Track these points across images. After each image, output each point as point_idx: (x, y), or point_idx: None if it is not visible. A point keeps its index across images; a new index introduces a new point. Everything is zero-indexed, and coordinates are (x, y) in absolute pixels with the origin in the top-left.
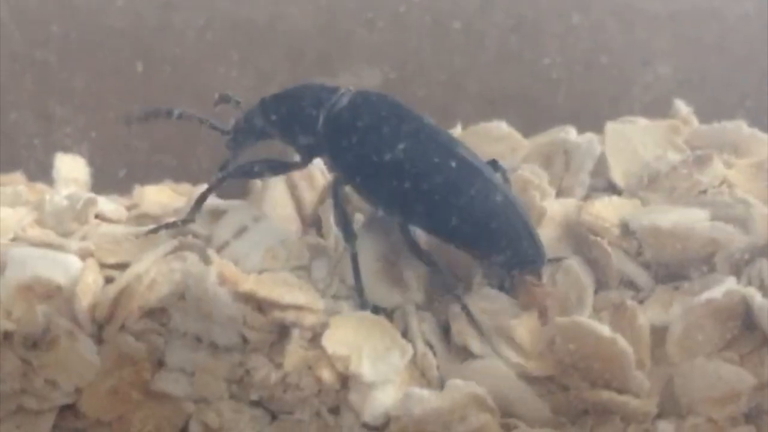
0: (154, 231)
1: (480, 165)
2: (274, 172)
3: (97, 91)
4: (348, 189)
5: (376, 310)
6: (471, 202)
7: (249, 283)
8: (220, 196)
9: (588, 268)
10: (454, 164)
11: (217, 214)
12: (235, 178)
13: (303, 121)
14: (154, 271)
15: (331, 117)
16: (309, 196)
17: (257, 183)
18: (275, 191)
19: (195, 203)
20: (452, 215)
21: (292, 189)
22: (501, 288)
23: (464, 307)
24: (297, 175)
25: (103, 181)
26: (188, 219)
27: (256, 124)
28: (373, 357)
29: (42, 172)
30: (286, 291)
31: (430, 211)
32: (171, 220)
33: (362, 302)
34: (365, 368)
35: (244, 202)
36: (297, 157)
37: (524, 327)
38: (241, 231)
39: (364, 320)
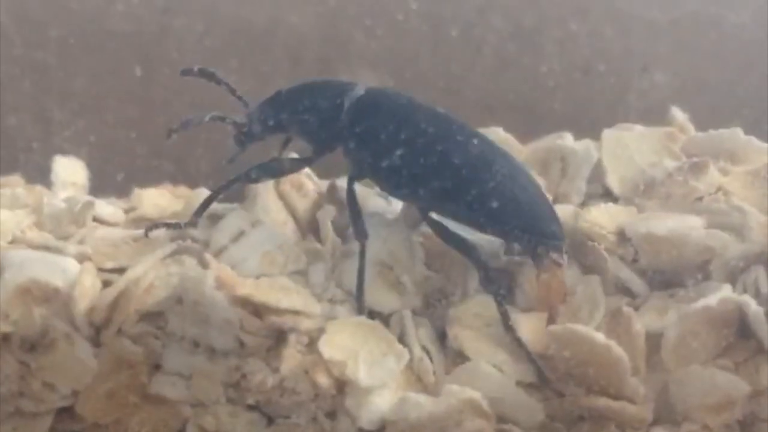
0: (153, 228)
1: (501, 147)
2: (289, 169)
3: (96, 95)
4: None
5: (372, 315)
6: (500, 181)
7: (246, 288)
8: (219, 200)
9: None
10: (478, 144)
11: (214, 219)
12: (248, 182)
13: (327, 111)
14: (152, 275)
15: (354, 106)
16: (301, 204)
17: (252, 188)
18: (266, 199)
19: (200, 206)
20: (482, 195)
21: (283, 197)
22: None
23: (501, 304)
24: (287, 184)
25: (102, 184)
26: (191, 222)
27: (273, 116)
28: (369, 362)
29: (40, 175)
30: (283, 295)
31: (459, 193)
32: (173, 221)
33: (359, 306)
34: (361, 373)
35: (241, 209)
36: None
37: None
38: (238, 236)
39: (361, 325)
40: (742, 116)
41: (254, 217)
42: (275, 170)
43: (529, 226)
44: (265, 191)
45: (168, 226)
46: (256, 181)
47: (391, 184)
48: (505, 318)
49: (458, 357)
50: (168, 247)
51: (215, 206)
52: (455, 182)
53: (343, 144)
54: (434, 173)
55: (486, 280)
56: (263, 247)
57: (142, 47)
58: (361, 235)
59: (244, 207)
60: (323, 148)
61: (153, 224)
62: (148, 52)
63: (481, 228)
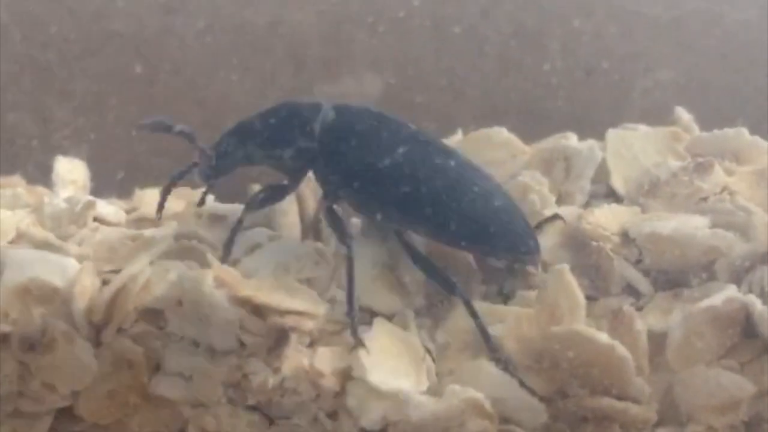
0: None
1: (473, 162)
2: (280, 197)
3: (97, 94)
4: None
5: (374, 316)
6: (473, 201)
7: (248, 289)
8: (219, 199)
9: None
10: (453, 164)
11: (217, 219)
12: (254, 211)
13: (296, 138)
14: (149, 271)
15: (326, 126)
16: (312, 203)
17: (256, 188)
18: (286, 201)
19: (225, 247)
20: (455, 215)
21: (299, 197)
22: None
23: (469, 306)
24: (308, 186)
25: (103, 184)
26: (224, 258)
27: (239, 148)
28: (394, 369)
29: (42, 175)
30: (286, 296)
31: (432, 213)
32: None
33: (350, 309)
34: (374, 376)
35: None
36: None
37: (511, 337)
38: (253, 248)
39: (393, 332)
40: (746, 116)
41: (273, 231)
42: (274, 198)
43: (506, 245)
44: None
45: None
46: (258, 209)
47: (365, 207)
48: (484, 334)
49: (461, 357)
50: (164, 243)
51: (218, 206)
52: (429, 202)
53: (315, 168)
54: (408, 194)
55: (465, 303)
56: (277, 257)
57: (144, 47)
58: (346, 239)
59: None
60: (296, 174)
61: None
62: (150, 51)
63: (457, 246)
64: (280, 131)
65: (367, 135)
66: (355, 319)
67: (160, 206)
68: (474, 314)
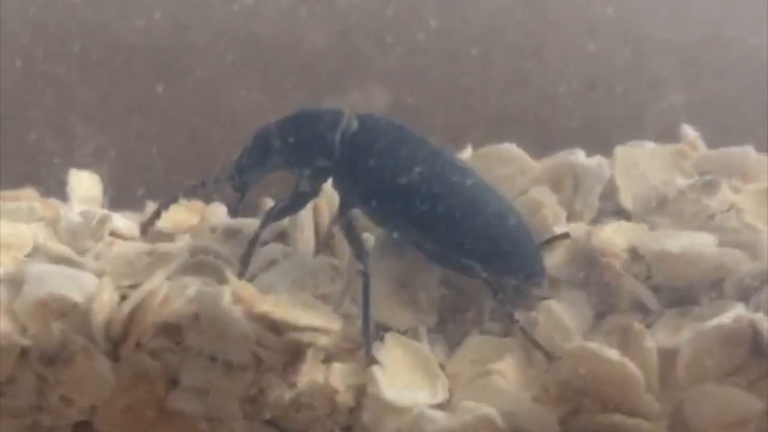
0: (150, 222)
1: (490, 183)
2: (299, 207)
3: (113, 109)
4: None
5: (387, 332)
6: (488, 221)
7: (265, 305)
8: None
9: (586, 295)
10: (470, 183)
11: (231, 233)
12: (268, 225)
13: (318, 145)
14: (167, 286)
15: (347, 139)
16: (327, 218)
17: (269, 203)
18: (304, 215)
19: (242, 262)
20: (471, 236)
21: (315, 210)
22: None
23: (488, 285)
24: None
25: (118, 198)
26: (242, 273)
27: (261, 155)
28: (408, 384)
29: (59, 188)
30: (303, 312)
31: (448, 232)
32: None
33: (365, 327)
34: (389, 391)
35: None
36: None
37: (511, 370)
38: (269, 264)
39: (410, 348)
40: (752, 134)
41: (289, 247)
42: (293, 208)
43: (517, 268)
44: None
45: (157, 215)
46: (278, 219)
47: (381, 219)
48: (509, 315)
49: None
50: (182, 258)
51: (232, 221)
52: (445, 221)
53: (336, 176)
54: (425, 211)
55: (490, 291)
56: (294, 273)
57: (159, 62)
58: (363, 257)
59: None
60: (316, 182)
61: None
62: (165, 66)
63: (469, 269)
64: (300, 143)
65: (388, 150)
66: (369, 338)
67: (152, 220)
68: (493, 293)
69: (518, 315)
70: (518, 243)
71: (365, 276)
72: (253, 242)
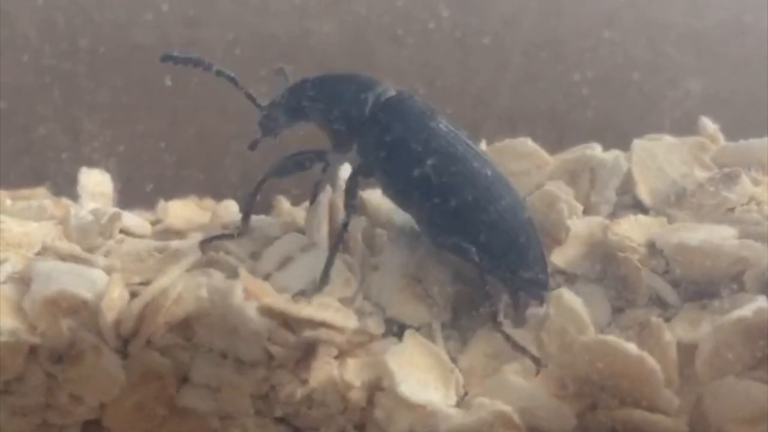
0: (208, 242)
1: (508, 179)
2: (311, 162)
3: (124, 106)
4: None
5: (402, 328)
6: (502, 216)
7: (280, 302)
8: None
9: (603, 290)
10: (489, 174)
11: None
12: (279, 176)
13: (351, 102)
14: (180, 285)
15: (378, 104)
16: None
17: (283, 201)
18: (320, 210)
19: (244, 213)
20: (480, 225)
21: (331, 206)
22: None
23: (480, 269)
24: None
25: (129, 195)
26: (243, 230)
27: (297, 101)
28: (422, 382)
29: (70, 187)
30: (318, 309)
31: (457, 218)
32: (226, 232)
33: (320, 284)
34: (409, 389)
35: (293, 233)
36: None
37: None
38: (285, 262)
39: (424, 347)
40: None
41: (305, 239)
42: (299, 164)
43: (519, 268)
44: (322, 202)
45: (221, 237)
46: (283, 175)
47: (394, 190)
48: (492, 316)
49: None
50: (194, 256)
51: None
52: (457, 207)
53: (359, 139)
54: (438, 193)
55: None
56: (310, 274)
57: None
58: (351, 209)
59: (273, 216)
60: (341, 141)
61: (207, 237)
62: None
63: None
64: (334, 97)
65: (416, 123)
66: (326, 277)
67: (247, 213)
68: (484, 282)
69: (531, 310)
70: (526, 245)
71: (342, 231)
72: (258, 188)
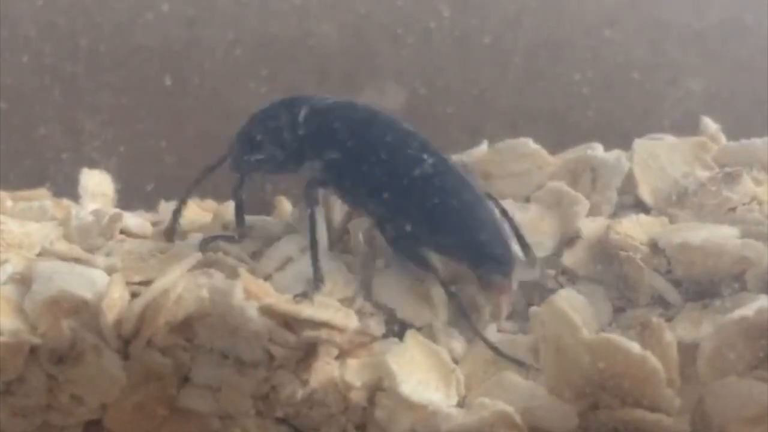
0: (208, 242)
1: (450, 161)
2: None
3: (124, 106)
4: None
5: (404, 327)
6: (445, 199)
7: (280, 303)
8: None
9: (605, 289)
10: (431, 161)
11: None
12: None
13: (285, 123)
14: (181, 286)
15: (308, 116)
16: (338, 213)
17: (284, 201)
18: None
19: (237, 217)
20: (426, 211)
21: (326, 206)
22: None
23: (446, 287)
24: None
25: (130, 196)
26: (242, 233)
27: (250, 140)
28: (423, 383)
29: (71, 187)
30: (318, 309)
31: (404, 207)
32: (227, 234)
33: (315, 278)
34: (410, 389)
35: (293, 233)
36: None
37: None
38: (285, 263)
39: (425, 347)
40: None
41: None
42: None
43: (471, 247)
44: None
45: (223, 239)
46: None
47: (342, 193)
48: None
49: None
50: (195, 257)
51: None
52: (402, 197)
53: (304, 161)
54: (382, 187)
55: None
56: (308, 275)
57: (170, 59)
58: (311, 203)
59: (274, 216)
60: (288, 159)
61: (208, 239)
62: (176, 64)
63: (423, 244)
64: (273, 118)
65: (349, 124)
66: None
67: (173, 225)
68: (451, 294)
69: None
70: (475, 224)
71: (312, 218)
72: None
